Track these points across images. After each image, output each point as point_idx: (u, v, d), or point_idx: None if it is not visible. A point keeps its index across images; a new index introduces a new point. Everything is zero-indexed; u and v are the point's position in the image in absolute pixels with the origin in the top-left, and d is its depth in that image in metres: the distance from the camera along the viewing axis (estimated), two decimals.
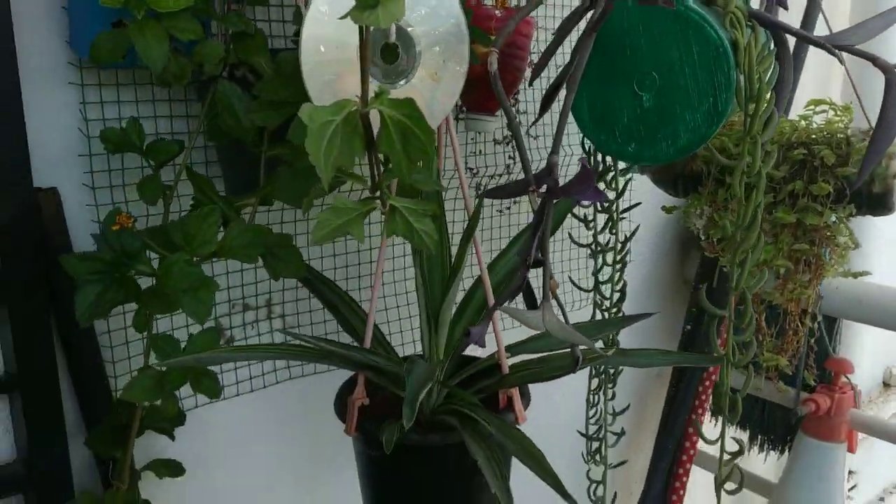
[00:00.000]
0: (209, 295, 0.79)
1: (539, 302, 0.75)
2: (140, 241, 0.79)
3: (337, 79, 0.81)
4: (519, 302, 0.83)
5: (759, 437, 1.84)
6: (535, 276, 0.74)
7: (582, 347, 0.80)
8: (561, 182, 0.76)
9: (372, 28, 0.66)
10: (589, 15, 0.87)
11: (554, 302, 0.76)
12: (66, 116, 0.96)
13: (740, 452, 0.96)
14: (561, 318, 0.76)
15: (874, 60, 0.87)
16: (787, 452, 1.77)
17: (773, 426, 1.81)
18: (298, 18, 0.94)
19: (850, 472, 2.52)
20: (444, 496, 0.91)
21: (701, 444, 1.78)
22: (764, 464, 1.87)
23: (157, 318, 0.94)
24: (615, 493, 1.38)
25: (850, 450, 1.64)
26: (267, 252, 0.85)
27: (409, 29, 0.84)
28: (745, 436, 1.85)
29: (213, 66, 0.88)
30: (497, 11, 1.16)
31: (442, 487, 0.90)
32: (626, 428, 1.41)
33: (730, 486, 0.98)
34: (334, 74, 0.80)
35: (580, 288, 1.27)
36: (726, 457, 0.97)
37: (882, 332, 2.63)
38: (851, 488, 2.54)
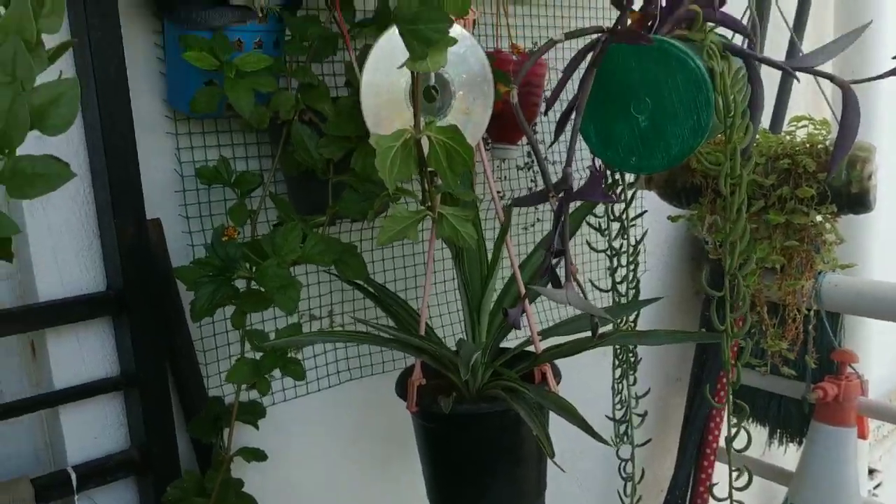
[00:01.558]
0: (296, 292, 0.98)
1: (563, 282, 0.94)
2: (241, 249, 0.99)
3: (388, 115, 1.01)
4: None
5: (778, 431, 1.98)
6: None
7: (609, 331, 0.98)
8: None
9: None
10: (590, 55, 1.06)
11: (574, 282, 0.94)
12: (164, 160, 1.17)
13: (745, 414, 1.12)
14: (581, 295, 0.94)
15: (831, 79, 1.06)
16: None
17: (790, 420, 1.95)
18: (350, 70, 1.15)
19: (872, 471, 2.63)
20: (492, 455, 1.08)
21: (722, 441, 1.92)
22: (784, 455, 2.01)
23: (250, 325, 1.12)
24: (643, 469, 1.53)
25: (861, 435, 1.78)
26: (338, 258, 1.04)
27: (445, 74, 1.04)
28: (764, 432, 2.00)
29: (286, 112, 1.08)
30: (514, 56, 1.37)
31: (491, 448, 1.07)
32: (650, 420, 1.56)
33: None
34: (386, 112, 1.00)
35: (599, 289, 1.44)
36: (734, 420, 1.13)
37: None
38: (876, 486, 2.65)
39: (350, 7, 1.20)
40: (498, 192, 1.53)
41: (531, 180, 1.55)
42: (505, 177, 1.53)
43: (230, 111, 1.08)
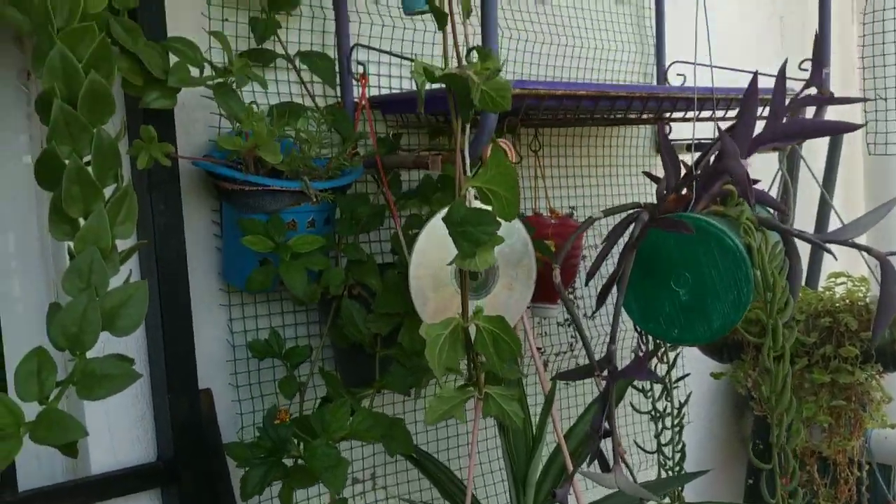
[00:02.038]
0: (344, 471, 0.99)
1: (611, 465, 0.94)
2: (292, 430, 1.01)
3: (435, 295, 1.04)
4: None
5: None
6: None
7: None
8: (620, 365, 0.97)
9: None
10: (629, 230, 1.10)
11: (623, 465, 0.94)
12: (216, 331, 1.21)
13: None
14: (630, 477, 0.94)
15: (868, 251, 1.08)
16: None
17: None
18: (397, 242, 1.19)
19: None
20: None
21: None
22: None
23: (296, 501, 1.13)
24: None
25: None
26: (385, 433, 1.05)
27: None
28: None
29: (336, 288, 1.12)
30: (552, 220, 1.41)
31: None
32: None
33: None
34: (433, 292, 1.04)
35: (645, 451, 1.43)
36: None
37: None
38: None
39: (397, 181, 1.26)
40: (539, 348, 1.54)
41: (571, 336, 1.56)
42: (545, 333, 1.55)
43: (282, 285, 1.13)
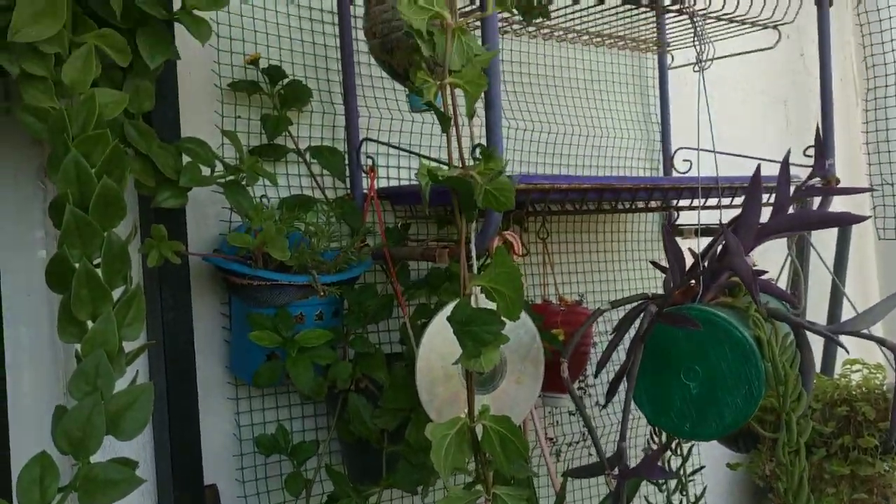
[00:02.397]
0: None
1: None
2: None
3: (443, 389, 1.04)
4: None
5: None
6: None
7: None
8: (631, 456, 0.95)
9: None
10: (638, 321, 1.09)
11: None
12: (223, 423, 1.21)
13: None
14: None
15: (882, 343, 1.07)
16: None
17: None
18: (404, 331, 1.19)
19: None
20: None
21: None
22: None
23: None
24: None
25: None
26: None
27: None
28: None
29: (343, 382, 1.12)
30: (561, 308, 1.41)
31: None
32: None
33: None
34: (440, 386, 1.03)
35: None
36: None
37: None
38: None
39: (405, 271, 1.27)
40: (550, 438, 1.52)
41: (584, 425, 1.54)
42: (556, 422, 1.53)
43: (289, 378, 1.12)
